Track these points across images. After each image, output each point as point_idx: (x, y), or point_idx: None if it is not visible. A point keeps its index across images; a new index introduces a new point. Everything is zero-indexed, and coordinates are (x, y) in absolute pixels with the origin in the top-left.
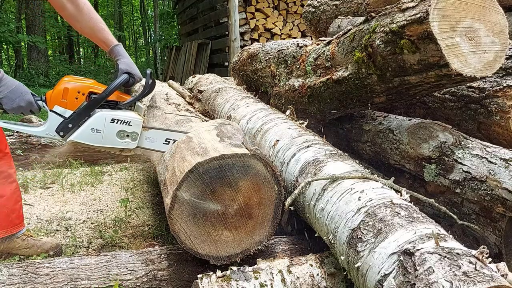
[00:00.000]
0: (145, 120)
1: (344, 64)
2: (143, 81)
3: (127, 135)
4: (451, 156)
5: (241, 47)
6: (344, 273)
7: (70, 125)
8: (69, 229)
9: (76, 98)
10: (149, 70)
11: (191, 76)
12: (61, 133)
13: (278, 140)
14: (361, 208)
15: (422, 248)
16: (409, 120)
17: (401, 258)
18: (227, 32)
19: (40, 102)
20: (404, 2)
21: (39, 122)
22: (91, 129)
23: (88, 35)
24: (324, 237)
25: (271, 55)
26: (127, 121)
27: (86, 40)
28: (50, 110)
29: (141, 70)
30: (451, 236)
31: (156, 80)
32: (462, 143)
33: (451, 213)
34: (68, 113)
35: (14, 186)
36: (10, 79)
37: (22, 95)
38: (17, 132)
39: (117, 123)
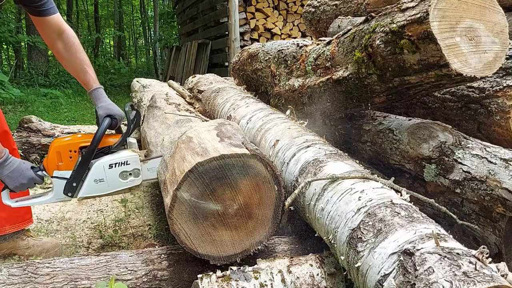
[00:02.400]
0: (140, 154)
1: (344, 64)
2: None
3: (130, 174)
4: (451, 156)
5: (241, 47)
6: (344, 273)
7: (74, 184)
8: (69, 229)
9: (70, 158)
10: (127, 106)
11: (191, 76)
12: (70, 194)
13: (278, 140)
14: (361, 208)
15: (422, 248)
16: (409, 120)
17: (401, 258)
18: (227, 32)
19: (40, 173)
20: (404, 2)
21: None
22: (94, 180)
23: (71, 73)
24: (324, 237)
25: (271, 55)
26: (124, 161)
27: (86, 40)
28: (52, 177)
29: (141, 70)
30: (451, 236)
31: (156, 80)
32: (462, 143)
33: (451, 213)
34: (68, 173)
35: None
36: (13, 159)
37: (23, 173)
38: (17, 132)
39: (115, 166)
